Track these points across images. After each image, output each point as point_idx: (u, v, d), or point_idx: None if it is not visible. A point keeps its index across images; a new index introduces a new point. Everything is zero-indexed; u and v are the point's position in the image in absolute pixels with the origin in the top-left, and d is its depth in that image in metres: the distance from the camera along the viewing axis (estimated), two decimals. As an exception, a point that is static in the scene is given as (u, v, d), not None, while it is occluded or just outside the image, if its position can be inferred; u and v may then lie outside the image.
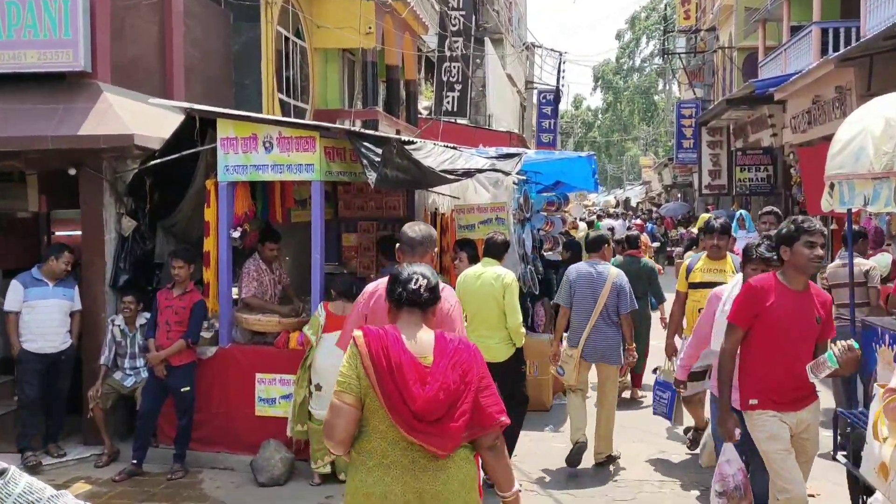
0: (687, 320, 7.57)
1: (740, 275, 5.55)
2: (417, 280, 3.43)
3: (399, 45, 14.97)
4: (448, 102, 17.34)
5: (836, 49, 16.13)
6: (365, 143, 7.02)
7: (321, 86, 13.46)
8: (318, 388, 7.02)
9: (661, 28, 35.85)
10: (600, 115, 75.42)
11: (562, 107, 31.08)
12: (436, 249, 5.06)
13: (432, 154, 7.74)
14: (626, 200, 50.13)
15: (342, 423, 3.20)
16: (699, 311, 6.66)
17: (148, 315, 7.69)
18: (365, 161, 6.91)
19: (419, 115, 16.99)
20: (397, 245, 4.88)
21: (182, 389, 7.37)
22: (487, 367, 3.40)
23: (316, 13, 12.99)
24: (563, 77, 26.38)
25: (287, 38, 12.71)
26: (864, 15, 14.57)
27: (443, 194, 9.31)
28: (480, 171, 8.07)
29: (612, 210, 31.84)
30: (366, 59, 13.68)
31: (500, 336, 6.76)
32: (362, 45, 13.29)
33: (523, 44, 27.56)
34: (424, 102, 18.61)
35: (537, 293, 9.98)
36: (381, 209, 9.13)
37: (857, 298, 8.23)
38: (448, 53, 17.07)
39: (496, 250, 7.06)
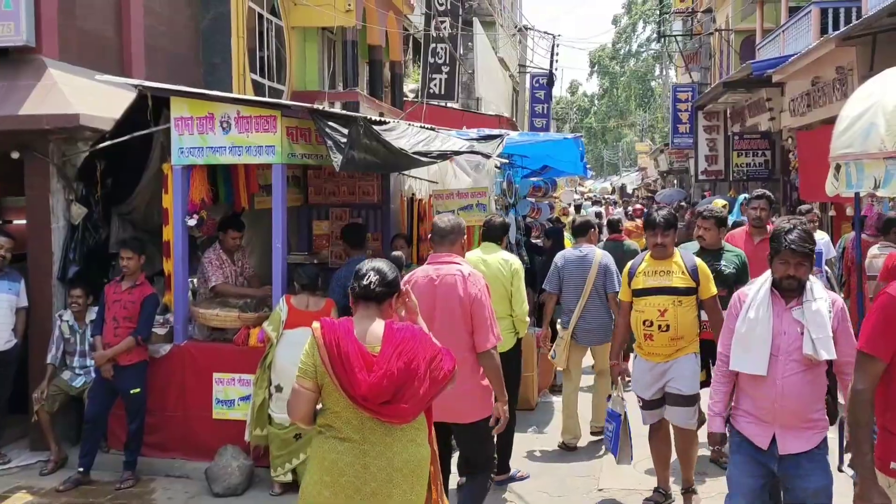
0: (637, 335, 5.96)
1: (768, 273, 4.12)
2: (370, 276, 3.74)
3: (382, 23, 14.35)
4: (435, 85, 16.71)
5: (836, 29, 15.50)
6: (329, 123, 6.46)
7: (299, 66, 12.84)
8: (279, 389, 6.50)
9: (658, 10, 35.17)
10: (596, 101, 74.71)
11: (557, 93, 30.58)
12: (463, 239, 5.29)
13: (406, 135, 7.18)
14: (623, 187, 49.54)
15: (301, 404, 3.64)
16: (645, 322, 5.78)
17: (99, 310, 7.11)
18: (330, 142, 6.36)
19: (405, 98, 16.38)
20: (429, 235, 5.29)
21: (131, 391, 6.80)
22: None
23: (292, -10, 12.37)
24: (556, 60, 25.75)
25: (261, 16, 12.08)
26: (867, -8, 13.96)
27: (421, 179, 8.73)
28: (457, 153, 7.50)
29: (594, 197, 31.26)
30: (346, 38, 13.05)
31: (505, 324, 6.26)
32: (342, 24, 12.67)
33: (516, 27, 26.90)
34: (411, 85, 18.00)
35: (522, 284, 9.41)
36: (354, 195, 8.55)
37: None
38: (435, 34, 16.43)
39: (495, 233, 6.68)
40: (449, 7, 16.38)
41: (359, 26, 13.00)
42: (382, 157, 6.77)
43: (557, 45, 25.39)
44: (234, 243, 7.50)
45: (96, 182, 7.61)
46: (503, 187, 8.93)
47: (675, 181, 35.74)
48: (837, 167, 5.12)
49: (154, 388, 6.93)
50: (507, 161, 8.73)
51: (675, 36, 29.80)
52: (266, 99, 7.34)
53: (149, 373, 6.91)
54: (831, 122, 13.91)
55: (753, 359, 4.04)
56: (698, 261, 5.91)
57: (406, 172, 8.52)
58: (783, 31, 19.65)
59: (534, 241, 10.74)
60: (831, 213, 14.97)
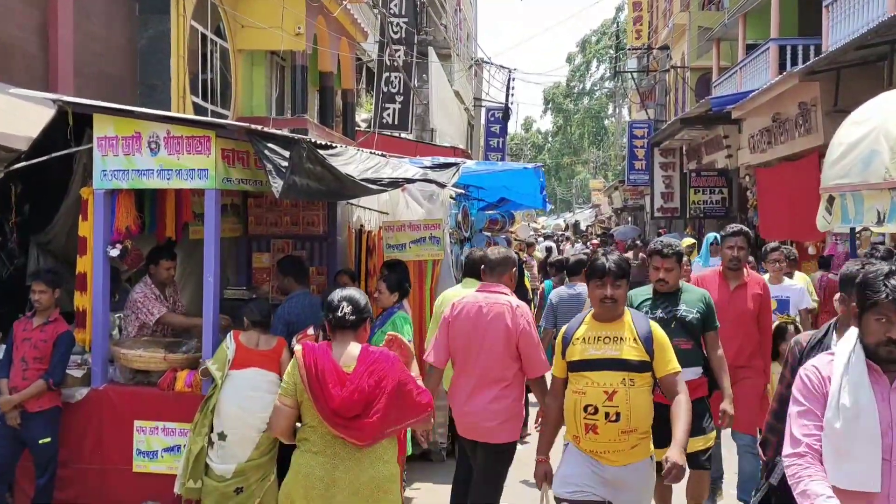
0: (568, 424, 4.47)
1: (851, 335, 3.09)
2: (343, 308, 4.12)
3: (334, 49, 13.81)
4: (388, 115, 16.19)
5: (794, 67, 15.35)
6: (269, 145, 5.85)
7: (245, 91, 12.23)
8: (223, 437, 5.81)
9: (614, 45, 35.19)
10: (550, 138, 74.98)
11: (511, 129, 30.23)
12: (513, 271, 5.53)
13: (354, 161, 6.60)
14: (576, 224, 49.43)
15: (281, 420, 4.09)
16: (587, 408, 4.24)
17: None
18: (269, 166, 5.76)
19: (357, 128, 15.81)
20: (482, 266, 5.60)
21: (41, 441, 6.04)
22: None
23: (240, 10, 11.77)
24: (512, 94, 25.48)
25: (205, 37, 11.46)
26: (827, 29, 13.80)
27: (370, 209, 8.14)
28: (410, 181, 6.93)
29: (546, 232, 30.92)
30: (296, 63, 12.47)
31: None
32: (291, 48, 12.10)
33: (472, 59, 26.59)
34: (363, 115, 17.46)
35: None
36: (298, 225, 7.92)
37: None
38: (389, 62, 15.94)
39: (477, 268, 6.11)
40: (404, 35, 15.92)
41: (309, 50, 12.44)
42: (328, 184, 6.18)
43: (513, 79, 25.13)
44: (167, 274, 6.83)
45: (11, 207, 6.90)
46: (458, 219, 8.38)
47: (630, 218, 35.60)
48: (831, 199, 4.64)
49: (67, 438, 6.19)
50: (463, 192, 8.19)
51: (630, 72, 29.74)
52: (199, 118, 6.70)
53: (62, 420, 6.17)
54: (792, 158, 13.69)
55: (860, 469, 2.84)
56: (653, 325, 4.43)
57: (354, 202, 7.93)
58: (740, 69, 19.56)
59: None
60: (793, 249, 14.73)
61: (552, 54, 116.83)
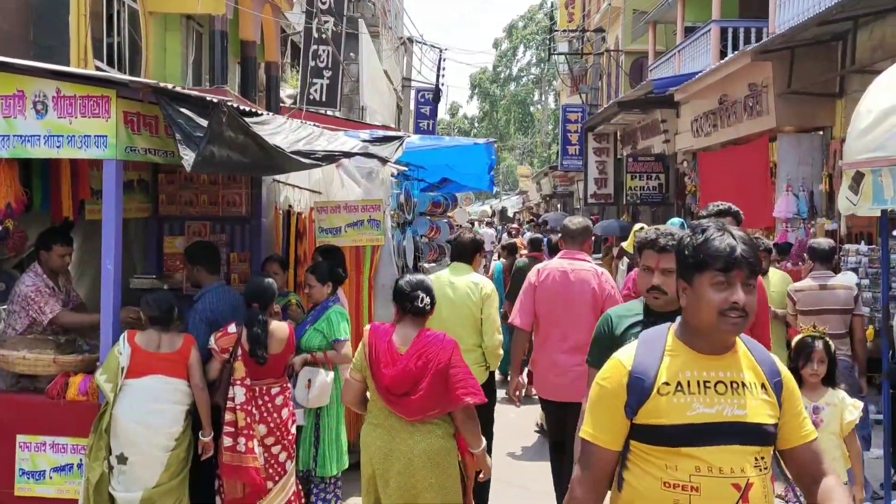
0: None
1: None
2: (422, 298, 4.42)
3: (257, 16, 12.71)
4: (315, 90, 15.13)
5: (736, 50, 14.83)
6: (181, 109, 4.90)
7: (157, 58, 11.07)
8: (122, 460, 4.93)
9: (547, 27, 34.56)
10: (476, 124, 74.35)
11: (439, 113, 29.32)
12: (591, 239, 5.96)
13: (283, 130, 5.66)
14: (503, 210, 48.89)
15: (351, 394, 4.53)
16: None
17: None
18: (179, 134, 4.82)
19: (282, 104, 14.72)
20: (559, 235, 6.08)
21: None
22: None
23: (152, -31, 10.62)
24: (443, 75, 24.60)
25: (112, -4, 10.28)
26: (774, 9, 13.26)
27: (300, 188, 7.19)
28: (348, 154, 6.02)
29: (486, 220, 30.33)
30: (214, 28, 11.35)
31: (475, 357, 5.75)
32: (210, 11, 10.99)
33: (400, 38, 25.59)
34: (289, 91, 16.36)
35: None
36: (218, 205, 6.89)
37: (838, 328, 6.66)
38: (316, 34, 14.87)
39: (466, 252, 6.03)
40: (333, 5, 14.87)
41: (229, 14, 11.34)
42: (252, 156, 5.24)
43: (444, 59, 24.24)
44: (61, 262, 5.80)
45: None
46: (400, 200, 7.49)
47: (560, 205, 35.18)
48: (858, 176, 3.89)
49: (-65, 457, 5.14)
50: (406, 168, 7.29)
51: (565, 55, 29.11)
52: (95, 73, 5.68)
53: (-75, 436, 5.11)
54: (740, 142, 13.13)
55: None
56: (775, 357, 2.68)
57: (282, 179, 6.96)
58: (679, 52, 19.04)
59: (428, 265, 9.35)
60: (772, 239, 14.26)
61: (479, 41, 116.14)
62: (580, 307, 5.43)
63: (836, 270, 9.78)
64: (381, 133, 7.26)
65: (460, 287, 5.84)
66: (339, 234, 6.94)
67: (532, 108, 67.30)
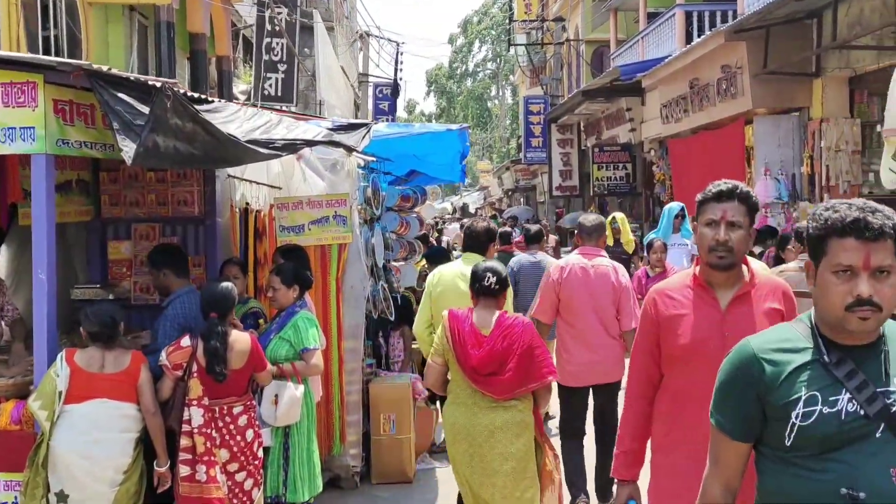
0: None
1: None
2: (489, 278, 4.68)
3: (206, 8, 12.01)
4: (270, 85, 14.44)
5: (701, 35, 14.42)
6: (119, 94, 4.29)
7: (99, 52, 10.34)
8: (63, 498, 4.35)
9: (505, 18, 34.00)
10: (434, 121, 73.73)
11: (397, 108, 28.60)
12: (605, 235, 6.51)
13: (237, 118, 5.08)
14: (464, 206, 48.37)
15: (433, 376, 4.79)
16: None
17: None
18: (117, 123, 4.23)
19: (235, 101, 14.01)
20: (576, 231, 6.35)
21: None
22: None
23: (90, -44, 9.89)
24: (400, 69, 23.98)
25: (47, -16, 9.55)
26: (743, -10, 12.84)
27: (258, 183, 6.57)
28: (311, 143, 5.42)
29: (455, 216, 29.88)
30: (160, 20, 10.64)
31: None
32: (154, 1, 10.30)
33: (357, 33, 24.91)
34: (242, 86, 15.65)
35: (393, 319, 7.38)
36: (167, 205, 6.24)
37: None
38: (269, 27, 14.18)
39: (479, 242, 5.85)
40: (286, -5, 14.19)
41: (175, 4, 10.63)
42: (202, 147, 4.65)
43: (402, 53, 23.62)
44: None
45: None
46: (368, 194, 6.89)
47: (522, 199, 34.76)
48: (903, 146, 3.36)
49: None
50: (374, 159, 6.68)
51: (524, 45, 28.60)
52: (17, 55, 5.01)
53: None
54: (712, 126, 12.70)
55: None
56: None
57: (237, 174, 6.34)
58: (642, 38, 18.64)
59: (398, 264, 8.78)
60: None
61: (435, 36, 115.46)
62: (602, 297, 5.84)
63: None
64: (345, 121, 6.66)
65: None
66: (302, 232, 6.34)
67: (490, 104, 66.87)
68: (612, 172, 19.08)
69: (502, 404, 4.55)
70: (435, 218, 17.38)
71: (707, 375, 2.76)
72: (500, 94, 65.42)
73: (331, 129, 6.30)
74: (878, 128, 10.98)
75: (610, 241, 9.96)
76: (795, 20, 11.06)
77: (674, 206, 10.04)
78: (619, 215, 11.37)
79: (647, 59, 16.87)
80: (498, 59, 63.92)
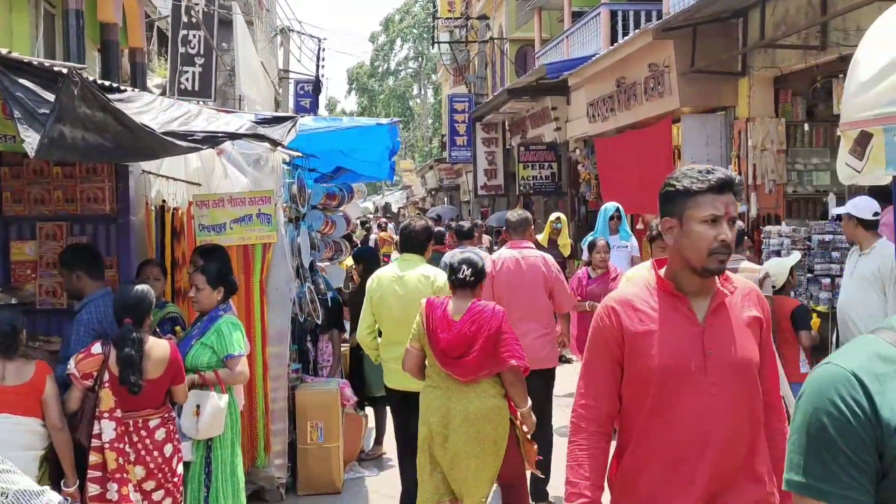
0: None
1: None
2: (464, 270, 4.89)
3: (118, -4, 11.41)
4: (187, 79, 13.89)
5: (626, 34, 14.43)
6: (21, 80, 3.90)
7: (2, 41, 9.70)
8: None
9: (428, 16, 33.73)
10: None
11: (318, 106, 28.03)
12: (531, 227, 6.71)
13: (152, 109, 4.71)
14: (387, 206, 47.99)
15: (410, 360, 4.97)
16: None
17: None
18: (19, 112, 3.85)
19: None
20: (504, 227, 7.22)
21: None
22: (412, 397, 5.18)
23: (-9, -62, 9.25)
24: (322, 65, 23.51)
25: (-57, -33, 8.89)
26: (668, -11, 12.86)
27: (176, 179, 6.17)
28: (234, 136, 5.07)
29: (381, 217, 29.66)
30: (68, 7, 10.05)
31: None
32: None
33: (278, 28, 24.34)
34: (157, 80, 15.05)
35: (319, 323, 7.06)
36: (75, 202, 5.77)
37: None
38: (186, 19, 13.64)
39: (417, 242, 5.66)
40: (204, -14, 13.68)
41: (85, -8, 10.04)
42: (113, 139, 4.27)
43: (324, 49, 23.18)
44: None
45: None
46: (293, 192, 6.54)
47: (446, 198, 34.60)
48: (864, 138, 3.22)
49: None
50: (300, 155, 6.34)
51: (448, 43, 28.38)
52: None
53: None
54: (638, 126, 12.66)
55: None
56: None
57: (153, 169, 5.93)
58: (567, 37, 18.63)
59: (324, 264, 8.44)
60: (638, 226, 13.85)
61: (356, 34, 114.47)
62: (534, 287, 6.19)
63: (760, 254, 9.42)
64: (269, 114, 6.31)
65: (409, 281, 5.53)
66: (224, 231, 5.98)
67: (411, 103, 66.61)
68: (537, 172, 19.00)
69: (474, 389, 4.75)
70: (360, 217, 17.03)
71: (686, 401, 2.52)
72: (423, 92, 65.25)
73: (255, 123, 5.95)
74: (806, 127, 11.11)
75: (545, 242, 9.79)
76: (722, 19, 11.08)
77: (609, 207, 9.74)
78: (562, 216, 11.19)
79: (572, 58, 16.84)
80: (420, 58, 63.74)
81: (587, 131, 15.94)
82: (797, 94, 11.24)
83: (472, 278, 4.86)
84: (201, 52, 14.09)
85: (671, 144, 12.09)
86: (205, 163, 6.19)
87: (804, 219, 10.66)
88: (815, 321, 6.40)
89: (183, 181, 6.22)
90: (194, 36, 14.02)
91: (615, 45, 13.22)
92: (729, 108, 11.43)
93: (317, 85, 23.26)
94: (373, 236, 18.90)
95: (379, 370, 7.26)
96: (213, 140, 4.92)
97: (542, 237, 9.97)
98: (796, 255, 6.63)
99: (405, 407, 5.47)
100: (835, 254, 8.27)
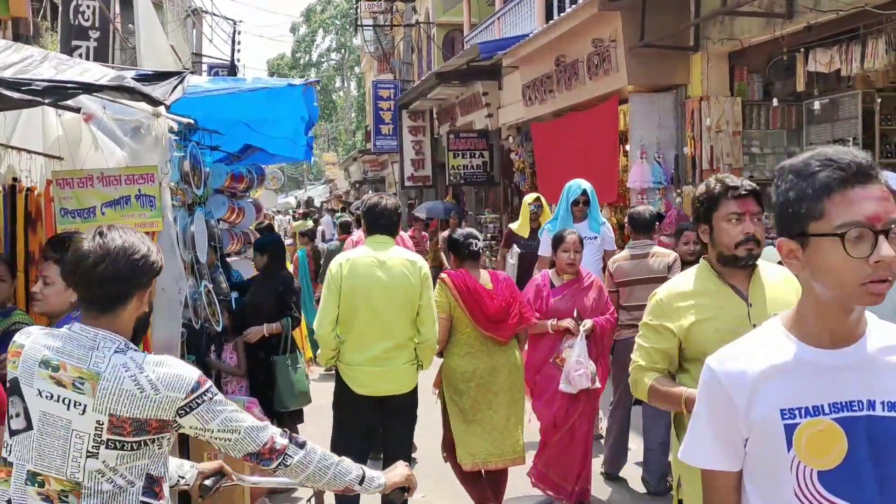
0: None
1: None
2: (474, 244, 5.36)
3: (-7, -46, 9.95)
4: (80, 55, 12.37)
5: (562, 13, 13.43)
6: None
7: None
8: None
9: (352, 6, 32.29)
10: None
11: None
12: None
13: (-21, 49, 3.45)
14: (309, 200, 46.46)
15: (443, 331, 5.20)
16: None
17: None
18: None
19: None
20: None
21: None
22: (388, 400, 5.01)
23: None
24: (238, 50, 22.07)
25: None
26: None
27: (29, 151, 4.88)
28: (92, 88, 3.82)
29: (302, 210, 28.46)
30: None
31: (408, 355, 5.00)
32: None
33: (189, 8, 22.77)
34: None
35: (220, 329, 5.80)
36: None
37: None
38: (78, -13, 12.13)
39: (391, 222, 4.99)
40: (97, -52, 12.20)
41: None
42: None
43: (239, 33, 21.75)
44: None
45: None
46: (185, 170, 5.29)
47: (371, 191, 33.38)
48: None
49: None
50: (192, 122, 5.09)
51: (372, 27, 27.06)
52: None
53: None
54: (582, 107, 11.63)
55: None
56: None
57: (1, 139, 4.64)
58: (498, 18, 17.64)
59: (230, 259, 7.20)
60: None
61: (277, 17, 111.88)
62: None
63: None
64: (150, 70, 5.06)
65: (394, 267, 4.86)
66: (93, 216, 4.70)
67: (334, 96, 65.13)
68: (468, 160, 17.96)
69: (507, 347, 5.33)
70: (305, 210, 15.79)
71: None
72: (346, 85, 63.83)
73: (134, 79, 4.70)
74: (775, 103, 10.17)
75: (524, 232, 7.95)
76: (672, -10, 10.17)
77: (574, 187, 7.05)
78: (541, 196, 8.40)
79: (507, 37, 15.82)
80: (343, 49, 62.28)
81: (522, 116, 14.93)
82: (753, 72, 10.41)
83: (478, 250, 5.35)
84: (96, 25, 12.59)
85: (617, 126, 11.15)
86: (69, 131, 4.91)
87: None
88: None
89: (40, 154, 4.93)
90: (88, 6, 12.53)
91: (555, 19, 12.19)
92: (680, 87, 10.54)
93: (232, 70, 21.79)
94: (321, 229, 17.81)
95: (291, 379, 6.11)
96: (60, 92, 3.66)
97: (517, 226, 8.06)
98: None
99: (374, 414, 5.03)
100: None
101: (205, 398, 2.34)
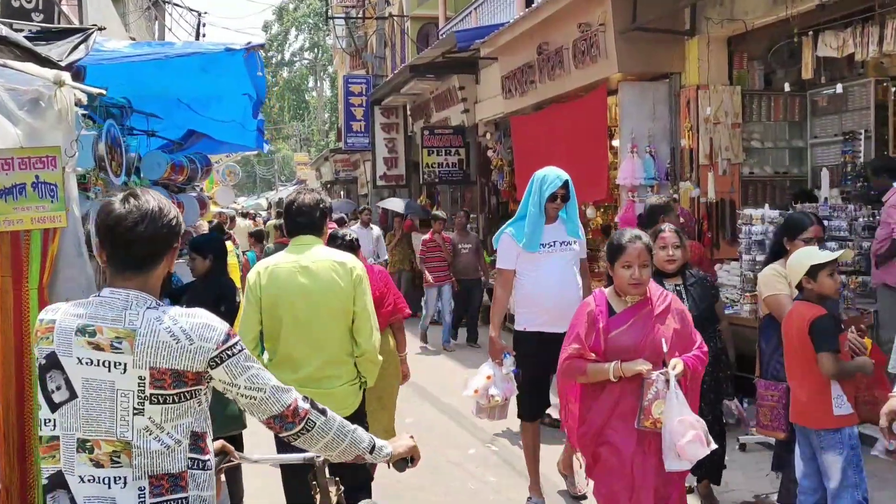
0: None
1: None
2: (350, 235, 5.47)
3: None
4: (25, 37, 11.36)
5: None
6: None
7: None
8: None
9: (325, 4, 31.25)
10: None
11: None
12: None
13: None
14: (280, 201, 45.39)
15: None
16: None
17: None
18: None
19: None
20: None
21: None
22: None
23: None
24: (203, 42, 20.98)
25: None
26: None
27: None
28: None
29: (245, 209, 27.72)
30: None
31: (347, 371, 4.28)
32: None
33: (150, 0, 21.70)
34: (-14, 40, 12.47)
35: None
36: None
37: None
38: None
39: (312, 220, 4.27)
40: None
41: None
42: None
43: (204, 24, 20.73)
44: None
45: None
46: (101, 152, 4.35)
47: (343, 192, 32.42)
48: None
49: None
50: (104, 92, 4.13)
51: (344, 18, 26.02)
52: None
53: None
54: (567, 98, 10.67)
55: None
56: None
57: None
58: (475, 9, 16.78)
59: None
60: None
61: (249, 23, 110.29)
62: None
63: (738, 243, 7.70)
64: (52, 26, 4.12)
65: (320, 271, 4.20)
66: (-25, 209, 3.77)
67: (307, 96, 64.02)
68: (443, 158, 17.04)
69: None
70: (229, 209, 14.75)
71: None
72: (319, 85, 62.73)
73: (27, 37, 3.77)
74: (787, 88, 9.35)
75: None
76: (665, -30, 9.31)
77: (551, 178, 5.53)
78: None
79: (485, 25, 14.94)
80: (316, 49, 61.20)
81: (500, 111, 14.03)
82: (753, 59, 9.60)
83: (354, 240, 5.53)
84: (39, 7, 11.55)
85: (606, 118, 10.29)
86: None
87: (761, 206, 8.94)
88: (868, 342, 4.49)
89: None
90: (31, -14, 11.48)
91: (536, 3, 11.30)
92: (674, 76, 9.69)
93: (196, 63, 20.72)
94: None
95: (222, 402, 5.32)
96: None
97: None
98: (840, 251, 4.64)
99: None
100: (831, 244, 6.56)
101: (234, 350, 2.40)
